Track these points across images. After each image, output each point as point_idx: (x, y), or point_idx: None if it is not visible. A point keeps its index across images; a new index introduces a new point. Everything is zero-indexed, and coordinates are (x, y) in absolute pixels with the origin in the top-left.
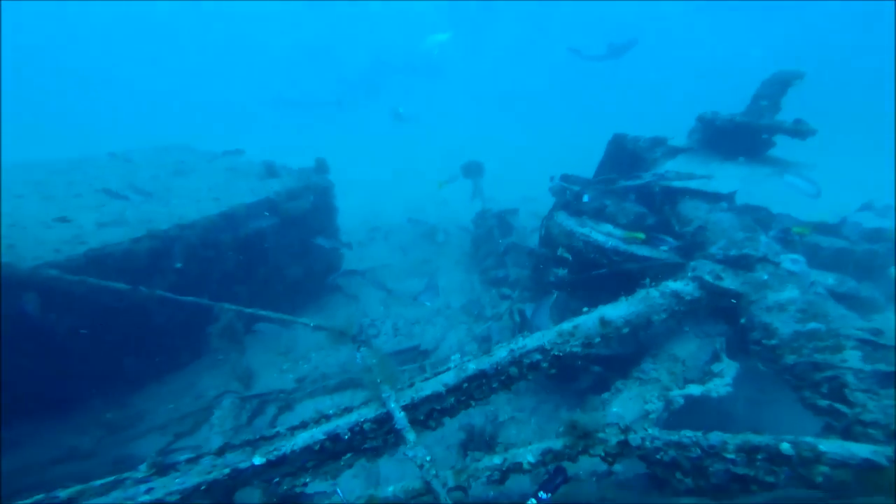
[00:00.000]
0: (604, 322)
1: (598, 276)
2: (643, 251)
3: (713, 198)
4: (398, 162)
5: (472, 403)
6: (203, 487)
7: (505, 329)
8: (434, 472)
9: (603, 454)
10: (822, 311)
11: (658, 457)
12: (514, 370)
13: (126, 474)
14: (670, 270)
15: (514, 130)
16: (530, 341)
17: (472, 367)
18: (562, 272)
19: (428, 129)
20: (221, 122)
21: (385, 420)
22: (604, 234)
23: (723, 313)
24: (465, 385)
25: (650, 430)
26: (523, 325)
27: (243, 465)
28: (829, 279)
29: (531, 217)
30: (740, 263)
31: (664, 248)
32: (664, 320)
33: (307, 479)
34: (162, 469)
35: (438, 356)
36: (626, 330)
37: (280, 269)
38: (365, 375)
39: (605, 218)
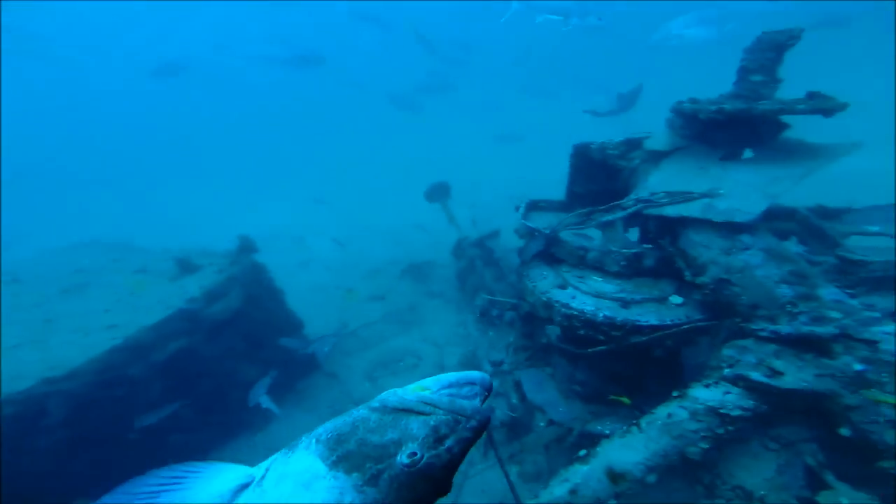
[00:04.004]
0: (614, 475)
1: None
2: (650, 317)
3: (729, 228)
4: (367, 183)
5: None
6: None
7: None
8: None
9: None
10: None
11: None
12: None
13: None
14: (698, 333)
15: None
16: None
17: None
18: (554, 336)
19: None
20: None
21: None
22: (592, 297)
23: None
24: None
25: None
26: (523, 404)
27: None
28: None
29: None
30: (806, 343)
31: (677, 301)
32: (707, 450)
33: None
34: None
35: None
36: (652, 479)
37: (231, 375)
38: None
39: (591, 265)
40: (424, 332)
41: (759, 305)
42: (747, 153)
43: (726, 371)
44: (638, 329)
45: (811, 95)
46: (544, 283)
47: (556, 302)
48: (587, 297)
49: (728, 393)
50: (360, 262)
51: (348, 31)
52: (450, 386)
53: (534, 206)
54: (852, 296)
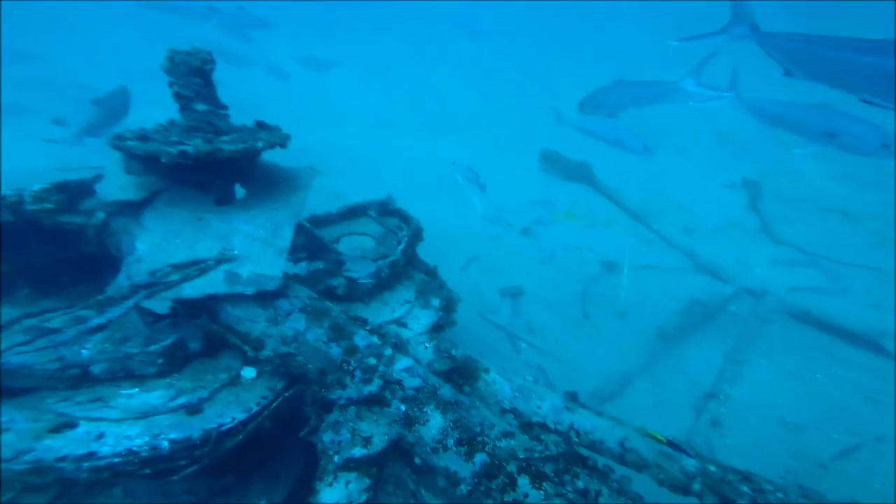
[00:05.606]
0: None
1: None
2: (233, 411)
3: (264, 296)
4: None
5: None
6: None
7: None
8: None
9: None
10: (468, 427)
11: None
12: None
13: None
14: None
15: None
16: None
17: None
18: None
19: None
20: None
21: None
22: (138, 422)
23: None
24: None
25: None
26: None
27: None
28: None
29: None
30: (374, 401)
31: (250, 374)
32: None
33: None
34: None
35: None
36: None
37: None
38: None
39: (107, 377)
40: None
41: (325, 371)
42: (239, 190)
43: (336, 459)
44: (229, 433)
45: (260, 125)
46: (10, 439)
47: (64, 459)
48: (127, 425)
49: (349, 482)
50: None
51: None
52: None
53: None
54: (372, 331)
